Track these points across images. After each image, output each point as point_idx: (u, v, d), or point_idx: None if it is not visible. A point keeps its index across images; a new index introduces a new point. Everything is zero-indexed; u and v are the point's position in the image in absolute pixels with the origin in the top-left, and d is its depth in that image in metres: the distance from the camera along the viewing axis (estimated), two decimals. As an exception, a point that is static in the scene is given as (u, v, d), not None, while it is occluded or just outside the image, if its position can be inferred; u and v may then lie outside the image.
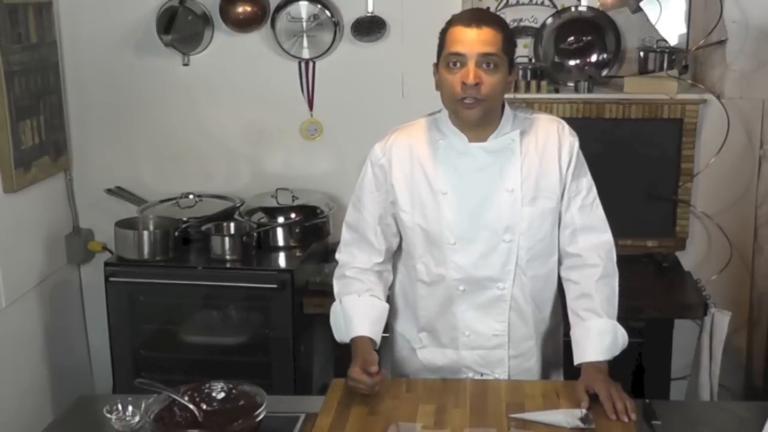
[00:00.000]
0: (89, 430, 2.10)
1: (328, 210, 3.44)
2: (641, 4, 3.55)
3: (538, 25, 3.57)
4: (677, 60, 3.48)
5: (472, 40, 2.07)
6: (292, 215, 3.35)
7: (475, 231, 2.21)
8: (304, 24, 3.45)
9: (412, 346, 2.38)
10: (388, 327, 2.40)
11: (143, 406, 1.97)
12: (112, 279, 3.21)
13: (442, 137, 2.23)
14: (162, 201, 3.58)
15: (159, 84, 3.59)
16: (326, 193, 3.54)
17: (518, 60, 3.46)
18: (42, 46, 3.36)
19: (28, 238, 3.35)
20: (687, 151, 3.39)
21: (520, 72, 3.45)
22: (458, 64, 2.09)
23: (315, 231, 3.39)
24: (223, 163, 3.67)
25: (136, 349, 3.27)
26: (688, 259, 3.49)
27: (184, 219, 3.36)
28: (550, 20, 3.55)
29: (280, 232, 3.34)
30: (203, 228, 3.30)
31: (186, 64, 3.54)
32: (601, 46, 3.54)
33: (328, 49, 3.47)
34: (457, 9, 3.34)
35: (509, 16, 3.55)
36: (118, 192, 3.61)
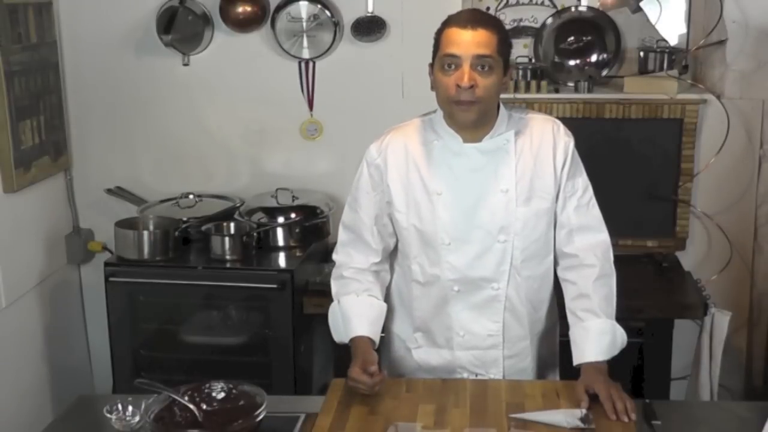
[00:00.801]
0: (89, 430, 2.10)
1: (328, 210, 3.44)
2: (641, 4, 3.55)
3: (538, 25, 3.57)
4: (677, 60, 3.48)
5: (467, 42, 2.07)
6: (292, 215, 3.35)
7: (469, 231, 2.21)
8: (304, 24, 3.45)
9: (407, 346, 2.37)
10: (384, 327, 2.40)
11: (143, 406, 1.97)
12: (112, 279, 3.21)
13: (436, 138, 2.22)
14: (162, 201, 3.58)
15: (159, 84, 3.59)
16: (326, 193, 3.54)
17: (518, 60, 3.47)
18: (42, 46, 3.36)
19: (28, 238, 3.35)
20: (687, 151, 3.39)
21: (520, 72, 3.45)
22: (453, 66, 2.08)
23: (315, 231, 3.39)
24: (223, 163, 3.67)
25: (136, 349, 3.27)
26: (688, 259, 3.49)
27: (184, 219, 3.36)
28: (550, 20, 3.55)
29: (280, 232, 3.34)
30: (203, 228, 3.30)
31: (186, 64, 3.54)
32: (601, 46, 3.54)
33: (328, 49, 3.47)
34: (457, 9, 3.34)
35: (509, 16, 3.56)
36: (118, 192, 3.62)
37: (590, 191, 2.25)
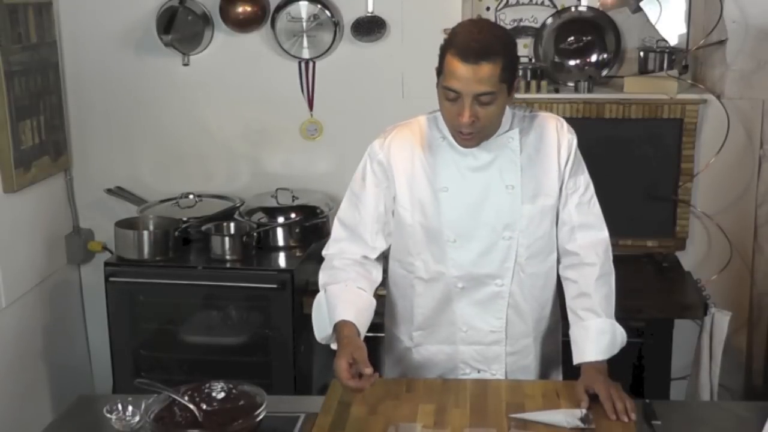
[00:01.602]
0: (89, 430, 2.10)
1: (328, 210, 3.43)
2: (641, 4, 3.55)
3: (538, 25, 3.57)
4: (677, 60, 3.48)
5: (468, 79, 2.02)
6: (292, 215, 3.36)
7: (474, 228, 2.21)
8: (304, 24, 3.45)
9: (407, 345, 2.37)
10: (384, 327, 2.40)
11: (143, 406, 1.97)
12: (112, 279, 3.21)
13: (442, 135, 2.22)
14: (162, 201, 3.58)
15: (159, 84, 3.59)
16: (326, 193, 3.54)
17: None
18: (42, 46, 3.36)
19: (28, 238, 3.35)
20: (687, 151, 3.39)
21: (520, 72, 3.44)
22: (454, 98, 2.06)
23: (315, 231, 3.39)
24: (223, 163, 3.67)
25: (136, 349, 3.28)
26: (688, 259, 3.49)
27: (184, 219, 3.36)
28: (550, 20, 3.54)
29: (280, 232, 3.34)
30: (203, 228, 3.30)
31: (186, 64, 3.54)
32: (601, 46, 3.54)
33: (328, 49, 3.47)
34: (457, 9, 3.36)
35: (509, 16, 3.56)
36: (118, 192, 3.62)
37: (591, 189, 2.26)
